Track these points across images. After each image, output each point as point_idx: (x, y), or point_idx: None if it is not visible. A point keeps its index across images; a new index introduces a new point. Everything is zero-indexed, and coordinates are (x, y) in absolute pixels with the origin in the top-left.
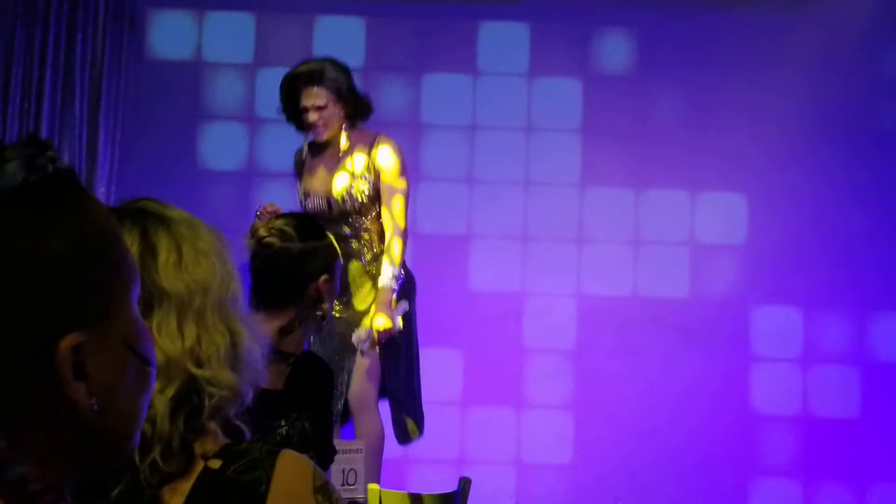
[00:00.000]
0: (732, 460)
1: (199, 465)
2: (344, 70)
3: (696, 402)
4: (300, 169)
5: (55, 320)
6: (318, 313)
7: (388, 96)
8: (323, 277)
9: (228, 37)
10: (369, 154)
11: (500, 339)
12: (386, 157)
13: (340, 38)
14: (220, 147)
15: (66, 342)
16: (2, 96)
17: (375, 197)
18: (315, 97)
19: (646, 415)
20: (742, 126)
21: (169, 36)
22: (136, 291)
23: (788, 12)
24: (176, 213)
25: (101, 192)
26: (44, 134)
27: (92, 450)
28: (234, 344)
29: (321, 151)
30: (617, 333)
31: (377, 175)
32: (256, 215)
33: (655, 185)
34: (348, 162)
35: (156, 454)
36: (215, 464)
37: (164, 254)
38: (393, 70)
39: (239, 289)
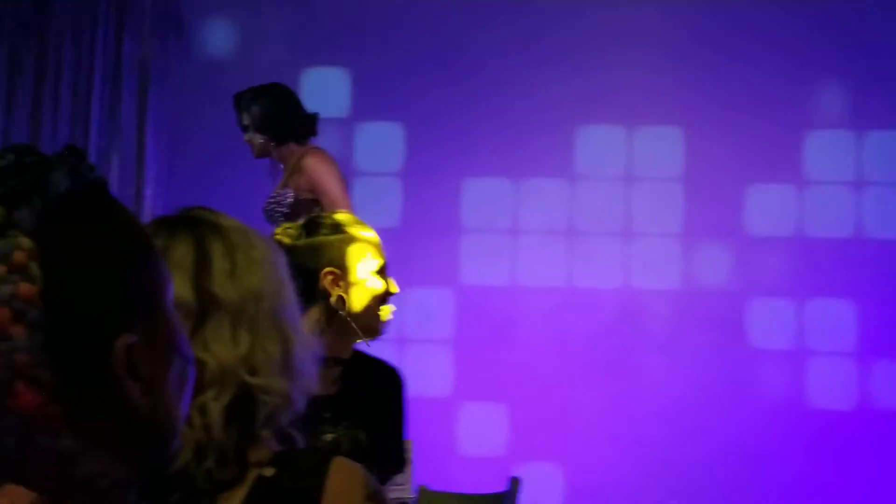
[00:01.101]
0: (784, 457)
1: (253, 473)
2: (263, 97)
3: (745, 398)
4: None
5: (109, 322)
6: (339, 311)
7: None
8: (326, 270)
9: (272, 38)
10: (291, 172)
11: (545, 335)
12: (309, 168)
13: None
14: None
15: (121, 342)
16: (52, 101)
17: (296, 212)
18: (242, 119)
19: (694, 411)
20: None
21: (214, 37)
22: (170, 293)
23: None
24: (229, 221)
25: (149, 195)
26: (93, 137)
27: (145, 448)
28: (286, 352)
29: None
30: (664, 328)
31: (304, 189)
32: None
33: (705, 176)
34: (280, 181)
35: (210, 462)
36: (269, 472)
37: (219, 262)
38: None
39: (291, 297)
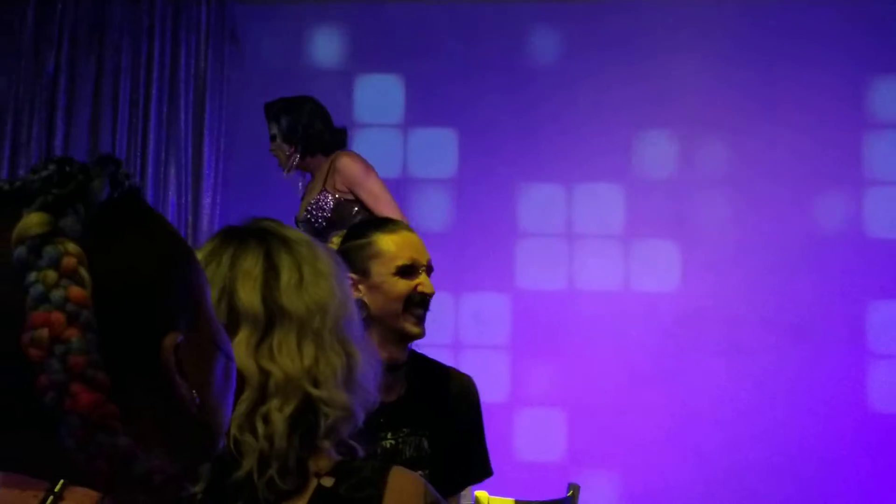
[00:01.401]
0: (848, 462)
1: (313, 483)
2: (293, 110)
3: (809, 401)
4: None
5: (156, 321)
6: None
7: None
8: (350, 276)
9: (326, 46)
10: (326, 176)
11: (602, 339)
12: (343, 167)
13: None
14: None
15: (168, 341)
16: (111, 112)
17: (340, 214)
18: (270, 129)
19: (756, 416)
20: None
21: (268, 47)
22: (209, 294)
23: None
24: (295, 234)
25: (206, 203)
26: (151, 148)
27: (194, 444)
28: (349, 366)
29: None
30: (724, 331)
31: (343, 191)
32: None
33: (759, 182)
34: (311, 188)
35: (273, 471)
36: (328, 482)
37: (287, 274)
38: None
39: (355, 312)
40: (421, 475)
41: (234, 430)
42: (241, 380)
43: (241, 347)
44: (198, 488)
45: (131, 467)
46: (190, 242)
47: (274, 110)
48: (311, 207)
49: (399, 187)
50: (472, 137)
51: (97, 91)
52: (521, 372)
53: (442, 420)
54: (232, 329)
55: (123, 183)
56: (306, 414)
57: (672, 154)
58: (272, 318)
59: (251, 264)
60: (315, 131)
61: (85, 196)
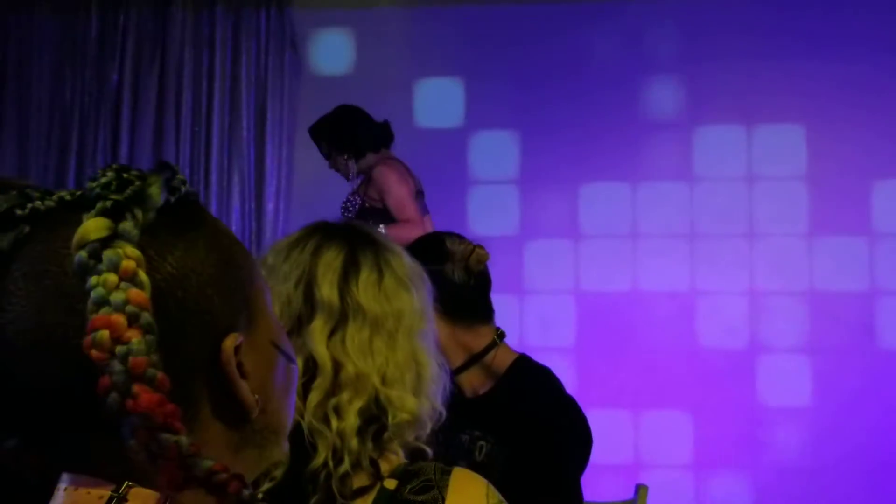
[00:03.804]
0: None
1: (377, 485)
2: (332, 123)
3: (876, 399)
4: None
5: (216, 323)
6: None
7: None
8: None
9: (386, 50)
10: (364, 181)
11: (668, 339)
12: (378, 176)
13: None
14: None
15: (229, 342)
16: (174, 121)
17: (364, 219)
18: (321, 149)
19: (827, 413)
20: None
21: (328, 52)
22: (269, 294)
23: None
24: (383, 238)
25: (269, 209)
26: (214, 156)
27: (257, 446)
28: (418, 374)
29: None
30: (794, 330)
31: (373, 198)
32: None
33: (829, 174)
34: (359, 187)
35: (346, 466)
36: (391, 484)
37: (366, 272)
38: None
39: (430, 324)
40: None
41: (309, 418)
42: (315, 367)
43: (315, 335)
44: (266, 486)
45: (193, 467)
46: (253, 250)
47: (317, 131)
48: (342, 206)
49: (461, 191)
50: (534, 139)
51: (160, 101)
52: (587, 374)
53: (519, 435)
54: (308, 316)
55: (180, 188)
56: (375, 412)
57: (737, 150)
58: (346, 311)
59: (333, 256)
60: (359, 134)
61: (142, 201)
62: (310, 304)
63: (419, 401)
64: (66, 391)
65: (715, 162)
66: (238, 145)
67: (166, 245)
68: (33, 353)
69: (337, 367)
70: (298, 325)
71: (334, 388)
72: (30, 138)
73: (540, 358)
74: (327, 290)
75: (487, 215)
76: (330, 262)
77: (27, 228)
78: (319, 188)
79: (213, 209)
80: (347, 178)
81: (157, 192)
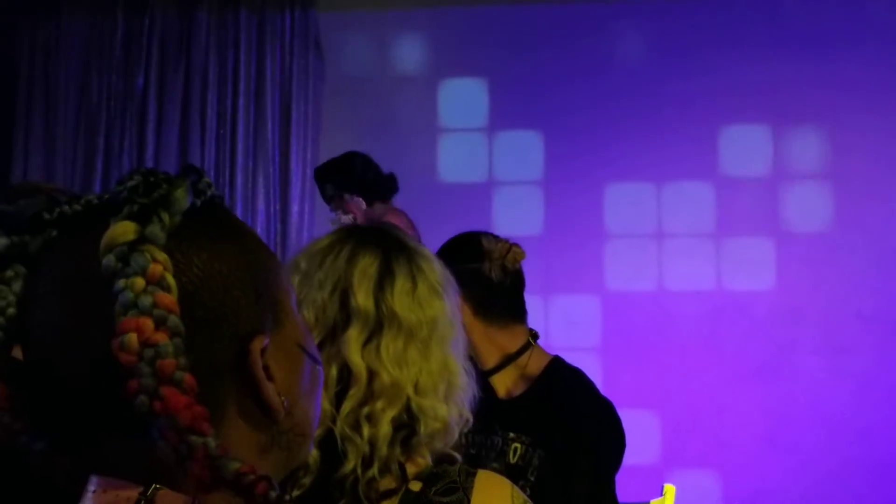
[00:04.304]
0: None
1: (402, 487)
2: (344, 168)
3: None
4: None
5: (243, 325)
6: None
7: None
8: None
9: (409, 51)
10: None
11: (694, 339)
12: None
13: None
14: (408, 159)
15: (255, 344)
16: (200, 124)
17: None
18: (326, 190)
19: (857, 415)
20: None
21: (352, 53)
22: (294, 296)
23: None
24: (414, 243)
25: (294, 211)
26: (239, 157)
27: (283, 447)
28: (449, 383)
29: None
30: (821, 330)
31: None
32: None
33: (856, 176)
34: None
35: (374, 471)
36: (416, 486)
37: (401, 281)
38: None
39: (461, 333)
40: (522, 485)
41: (342, 425)
42: (350, 375)
43: (351, 343)
44: (295, 493)
45: (221, 468)
46: (278, 251)
47: (325, 172)
48: None
49: (485, 191)
50: (558, 139)
51: (185, 104)
52: (613, 374)
53: (555, 437)
54: (343, 323)
55: (206, 192)
56: (407, 420)
57: (763, 149)
58: (382, 320)
59: (368, 263)
60: (370, 179)
61: (169, 204)
62: (345, 311)
63: (450, 409)
64: (94, 394)
65: (741, 161)
66: (263, 147)
67: (193, 248)
68: (62, 355)
69: (371, 375)
70: (333, 333)
71: (368, 396)
72: (57, 141)
73: (565, 358)
74: (363, 299)
75: (512, 215)
76: (365, 270)
77: (55, 232)
78: None
79: (238, 211)
80: (342, 217)
81: (183, 196)
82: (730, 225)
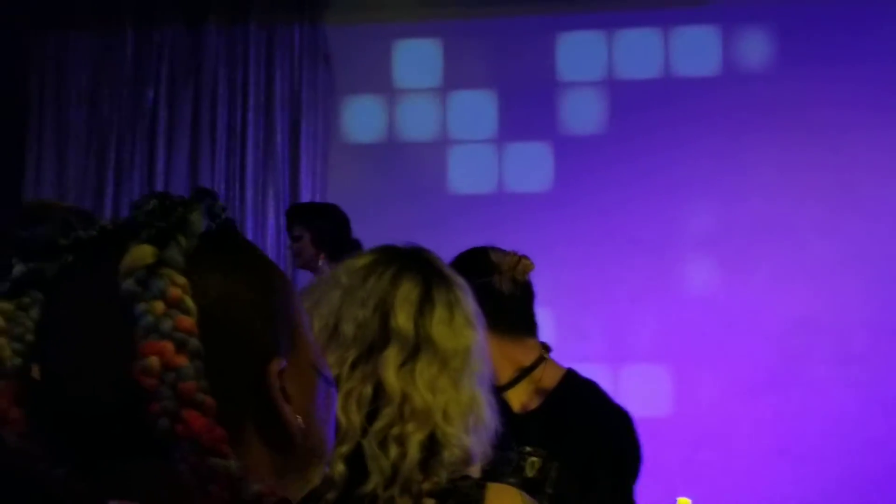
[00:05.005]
0: None
1: None
2: (324, 216)
3: None
4: None
5: (261, 347)
6: None
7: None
8: None
9: (417, 63)
10: None
11: (706, 348)
12: None
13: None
14: (415, 173)
15: (273, 367)
16: (209, 138)
17: None
18: (293, 230)
19: (868, 424)
20: None
21: (360, 65)
22: (307, 319)
23: None
24: (452, 273)
25: None
26: (249, 171)
27: (299, 469)
28: (476, 415)
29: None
30: (832, 339)
31: None
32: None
33: (863, 184)
34: None
35: (395, 491)
36: (430, 503)
37: (440, 309)
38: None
39: (488, 366)
40: (539, 499)
41: (370, 443)
42: (383, 394)
43: (388, 363)
44: None
45: (243, 490)
46: (288, 266)
47: (303, 214)
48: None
49: (494, 203)
50: (567, 151)
51: (195, 118)
52: (625, 381)
53: (574, 450)
54: (382, 343)
55: (220, 214)
56: (432, 446)
57: (769, 159)
58: (419, 344)
59: (410, 288)
60: (343, 239)
61: (186, 228)
62: (385, 331)
63: (473, 441)
64: (115, 417)
65: (746, 172)
66: (273, 161)
67: (209, 270)
68: (82, 380)
69: (404, 397)
70: (370, 351)
71: (399, 417)
72: (68, 154)
73: (579, 369)
74: (403, 321)
75: (521, 227)
76: (407, 294)
77: (71, 257)
78: (354, 203)
79: (248, 224)
80: (299, 265)
81: (198, 219)
82: (734, 233)
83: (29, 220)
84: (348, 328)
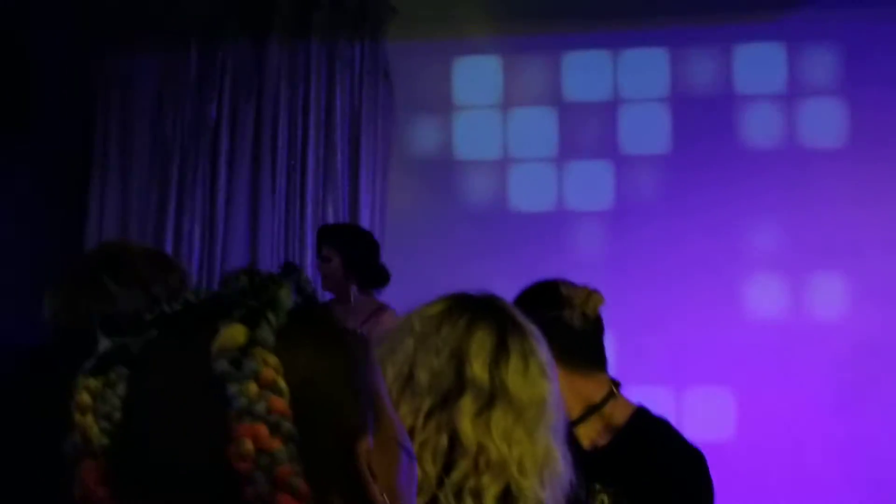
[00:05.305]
0: None
1: None
2: (358, 242)
3: None
4: None
5: (351, 427)
6: None
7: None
8: None
9: (477, 80)
10: (368, 318)
11: (770, 371)
12: (388, 324)
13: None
14: (475, 191)
15: (362, 446)
16: (270, 154)
17: None
18: (322, 250)
19: None
20: None
21: (420, 81)
22: (386, 390)
23: None
24: (526, 321)
25: None
26: (309, 188)
27: None
28: (551, 468)
29: (342, 309)
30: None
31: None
32: None
33: None
34: (350, 320)
35: None
36: None
37: (515, 360)
38: None
39: (563, 416)
40: None
41: (447, 495)
42: (458, 445)
43: (464, 413)
44: None
45: None
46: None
47: (335, 236)
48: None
49: (554, 221)
50: (628, 169)
51: (257, 135)
52: (688, 403)
53: (644, 488)
54: (457, 392)
55: (305, 289)
56: (508, 498)
57: (836, 179)
58: (495, 394)
59: (484, 336)
60: (373, 268)
61: (276, 306)
62: (460, 380)
63: (547, 495)
64: (206, 498)
65: (816, 193)
66: (333, 177)
67: (298, 349)
68: (172, 460)
69: (480, 448)
70: (445, 400)
71: (475, 469)
72: (132, 170)
73: (638, 391)
74: (479, 370)
75: (581, 245)
76: (482, 343)
77: (155, 332)
78: (413, 220)
79: (308, 241)
80: (325, 289)
81: (287, 296)
82: (804, 256)
83: (105, 260)
84: (423, 377)
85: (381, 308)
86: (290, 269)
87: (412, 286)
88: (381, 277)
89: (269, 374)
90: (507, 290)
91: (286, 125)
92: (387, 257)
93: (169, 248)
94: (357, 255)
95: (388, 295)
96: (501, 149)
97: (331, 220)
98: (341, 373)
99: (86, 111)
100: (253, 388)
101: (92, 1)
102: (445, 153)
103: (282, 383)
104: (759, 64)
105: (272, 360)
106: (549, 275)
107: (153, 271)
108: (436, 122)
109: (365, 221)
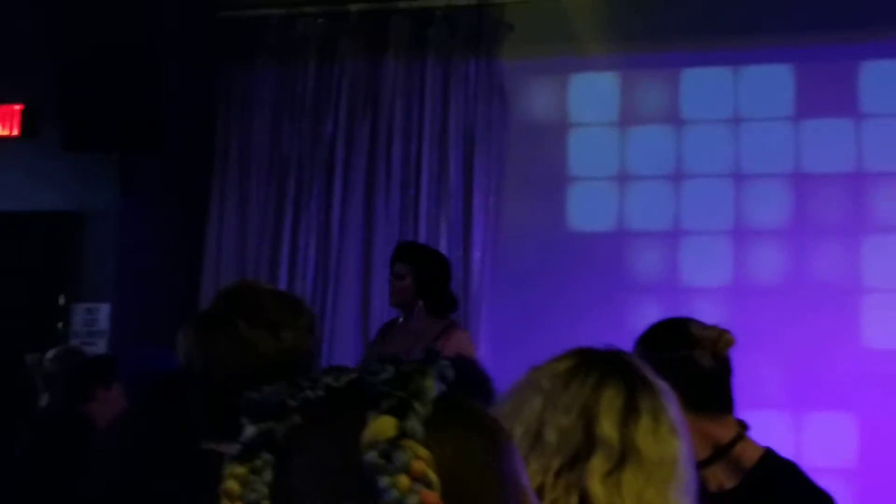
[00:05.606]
0: None
1: None
2: (435, 266)
3: None
4: (383, 334)
5: None
6: None
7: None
8: None
9: (594, 97)
10: (438, 337)
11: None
12: (457, 343)
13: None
14: (590, 210)
15: None
16: (385, 169)
17: None
18: (397, 267)
19: None
20: None
21: (534, 99)
22: (525, 473)
23: None
24: (655, 379)
25: (476, 258)
26: (423, 202)
27: None
28: None
29: (405, 326)
30: None
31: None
32: None
33: None
34: (419, 341)
35: None
36: None
37: (646, 418)
38: None
39: (693, 476)
40: None
41: None
42: None
43: (594, 473)
44: None
45: None
46: (462, 298)
47: (411, 255)
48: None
49: (670, 239)
50: (748, 187)
51: (372, 150)
52: (808, 429)
53: None
54: (586, 452)
55: (447, 376)
56: None
57: None
58: (625, 454)
59: (614, 395)
60: (443, 293)
61: (422, 396)
62: (590, 439)
63: None
64: None
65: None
66: (446, 195)
67: (444, 437)
68: None
69: None
70: (574, 460)
71: None
72: (250, 183)
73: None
74: (609, 429)
75: (698, 265)
76: (612, 401)
77: (300, 419)
78: (525, 237)
79: None
80: (394, 303)
81: (432, 385)
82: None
83: (238, 303)
84: (552, 435)
85: (451, 325)
86: (433, 357)
87: (523, 308)
88: (449, 304)
89: (420, 466)
90: (618, 312)
91: (401, 141)
92: (498, 274)
93: (284, 262)
94: (428, 278)
95: (501, 311)
96: (622, 167)
97: (444, 236)
98: (487, 461)
99: (209, 129)
100: (404, 480)
101: (216, 22)
102: (560, 170)
103: (432, 476)
104: (885, 81)
105: (422, 452)
106: (665, 297)
107: (284, 315)
108: (550, 138)
109: (478, 238)
